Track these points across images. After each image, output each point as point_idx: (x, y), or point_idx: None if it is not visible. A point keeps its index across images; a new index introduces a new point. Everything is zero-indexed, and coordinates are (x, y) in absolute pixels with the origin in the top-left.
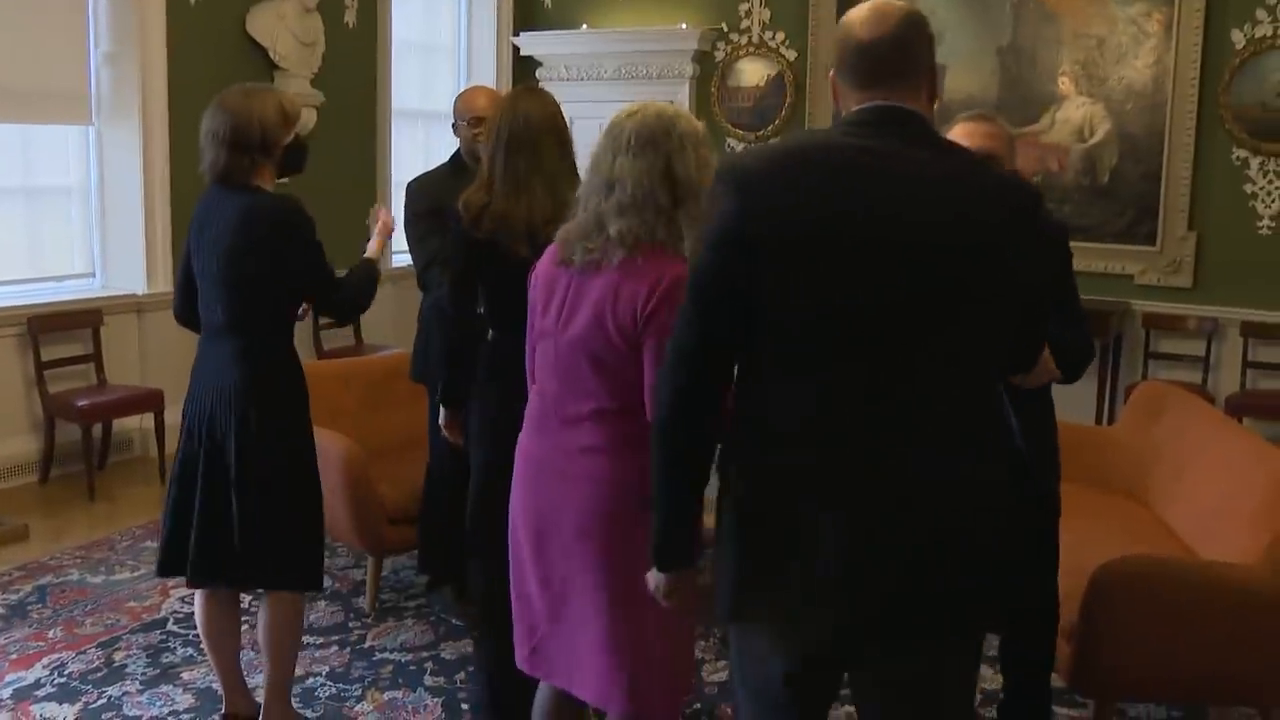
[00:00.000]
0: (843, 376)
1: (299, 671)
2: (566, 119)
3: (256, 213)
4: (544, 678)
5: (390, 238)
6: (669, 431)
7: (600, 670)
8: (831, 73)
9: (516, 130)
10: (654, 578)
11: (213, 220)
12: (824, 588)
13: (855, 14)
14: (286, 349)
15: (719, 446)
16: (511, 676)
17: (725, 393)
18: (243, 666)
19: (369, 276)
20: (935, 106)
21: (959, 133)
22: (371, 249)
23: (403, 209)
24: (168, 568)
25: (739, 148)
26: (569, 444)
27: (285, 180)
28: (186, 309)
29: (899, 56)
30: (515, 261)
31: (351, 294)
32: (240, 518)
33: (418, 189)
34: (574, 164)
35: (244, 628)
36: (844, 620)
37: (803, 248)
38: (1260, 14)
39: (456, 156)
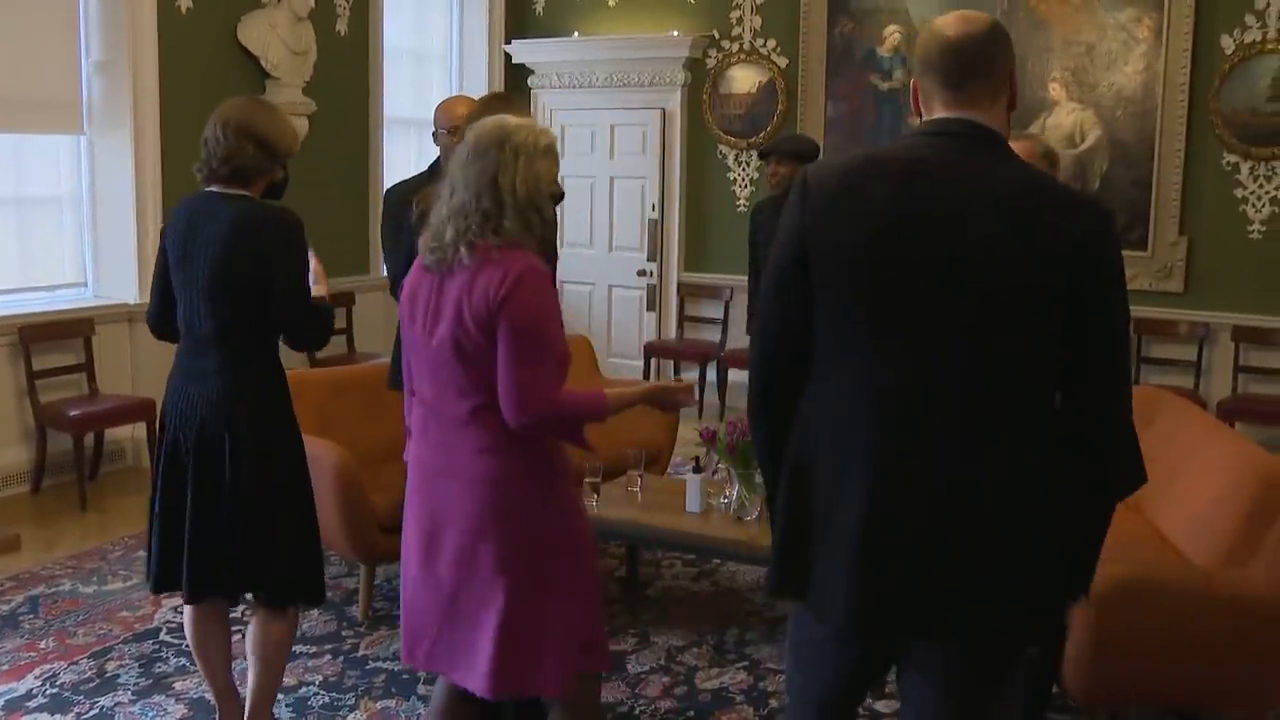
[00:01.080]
0: (866, 379)
1: (292, 681)
2: (559, 126)
3: (258, 218)
4: (443, 674)
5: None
6: (755, 414)
7: (492, 660)
8: (914, 79)
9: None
10: None
11: (204, 224)
12: (838, 578)
13: (941, 19)
14: (273, 358)
15: None
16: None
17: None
18: (235, 676)
19: (329, 312)
20: (1012, 114)
21: None
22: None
23: (381, 216)
24: (163, 583)
25: (730, 155)
26: (457, 445)
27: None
28: (163, 319)
29: (985, 54)
30: None
31: (321, 318)
32: (233, 530)
33: (396, 196)
34: None
35: (235, 638)
36: (855, 609)
37: (852, 251)
38: (1249, 19)
39: (436, 165)
